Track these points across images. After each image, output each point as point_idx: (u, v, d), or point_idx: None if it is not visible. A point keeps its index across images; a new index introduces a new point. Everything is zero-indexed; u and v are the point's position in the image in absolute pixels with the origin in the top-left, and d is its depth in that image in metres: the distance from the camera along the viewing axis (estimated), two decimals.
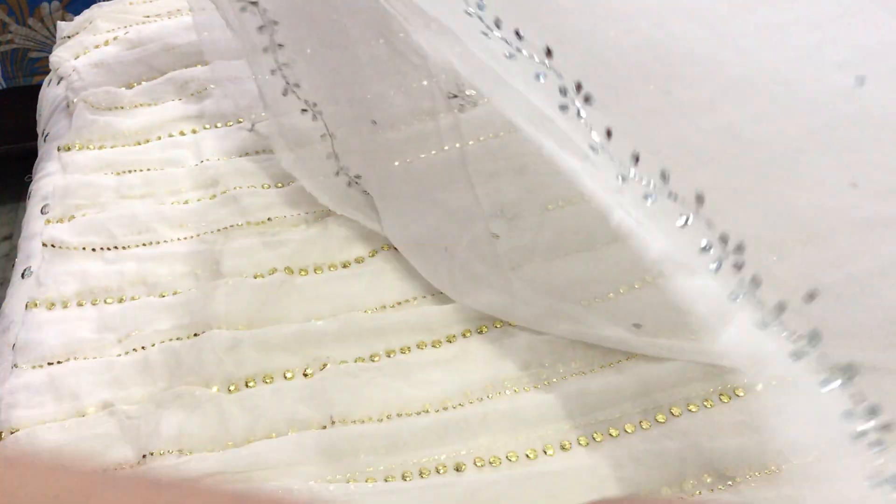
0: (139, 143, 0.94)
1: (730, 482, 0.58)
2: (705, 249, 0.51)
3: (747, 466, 0.58)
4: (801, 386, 0.50)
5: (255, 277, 0.75)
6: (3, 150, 1.68)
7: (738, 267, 0.50)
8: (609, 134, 0.53)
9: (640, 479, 0.59)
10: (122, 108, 0.98)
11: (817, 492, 0.53)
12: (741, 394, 0.63)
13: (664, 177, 0.52)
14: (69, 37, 1.12)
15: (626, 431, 0.62)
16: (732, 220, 0.50)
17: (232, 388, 0.66)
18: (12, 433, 0.64)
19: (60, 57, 1.07)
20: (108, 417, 0.65)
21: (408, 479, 0.60)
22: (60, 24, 1.15)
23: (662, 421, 0.62)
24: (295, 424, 0.64)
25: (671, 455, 0.60)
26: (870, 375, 0.47)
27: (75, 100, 0.97)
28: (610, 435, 0.62)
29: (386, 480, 0.60)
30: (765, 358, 0.51)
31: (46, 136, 0.99)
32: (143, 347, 0.70)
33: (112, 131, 0.94)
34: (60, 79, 1.04)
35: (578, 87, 0.53)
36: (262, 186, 0.86)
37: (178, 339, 0.71)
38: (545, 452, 0.61)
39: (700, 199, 0.50)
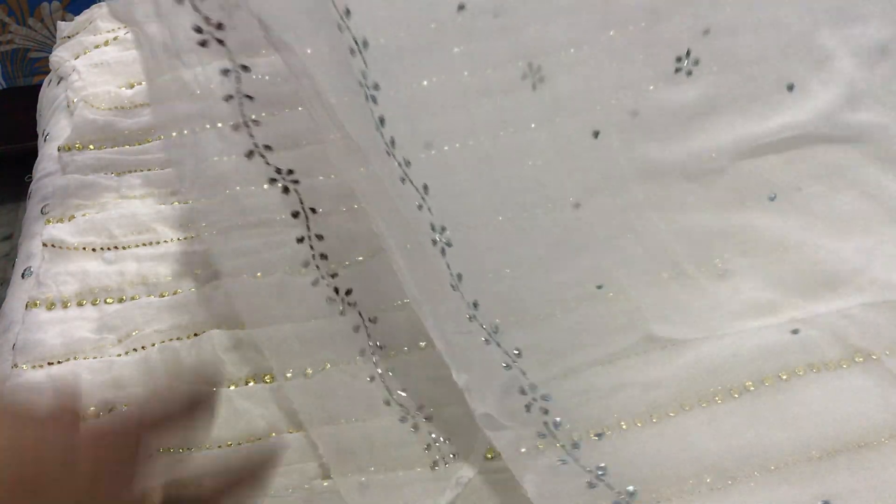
0: (139, 143, 0.94)
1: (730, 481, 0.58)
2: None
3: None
4: None
5: (255, 277, 0.75)
6: (3, 150, 1.68)
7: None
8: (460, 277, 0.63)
9: None
10: (122, 108, 0.98)
11: None
12: None
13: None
14: (69, 37, 1.12)
15: None
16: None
17: (232, 387, 0.66)
18: None
19: (60, 57, 1.07)
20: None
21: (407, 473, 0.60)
22: (60, 24, 1.14)
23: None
24: (295, 424, 0.64)
25: None
26: None
27: (75, 100, 0.97)
28: None
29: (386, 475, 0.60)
30: None
31: (46, 136, 0.99)
32: (143, 347, 0.70)
33: (112, 131, 0.94)
34: (60, 79, 1.04)
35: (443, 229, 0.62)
36: (263, 186, 0.86)
37: (178, 339, 0.71)
38: None
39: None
